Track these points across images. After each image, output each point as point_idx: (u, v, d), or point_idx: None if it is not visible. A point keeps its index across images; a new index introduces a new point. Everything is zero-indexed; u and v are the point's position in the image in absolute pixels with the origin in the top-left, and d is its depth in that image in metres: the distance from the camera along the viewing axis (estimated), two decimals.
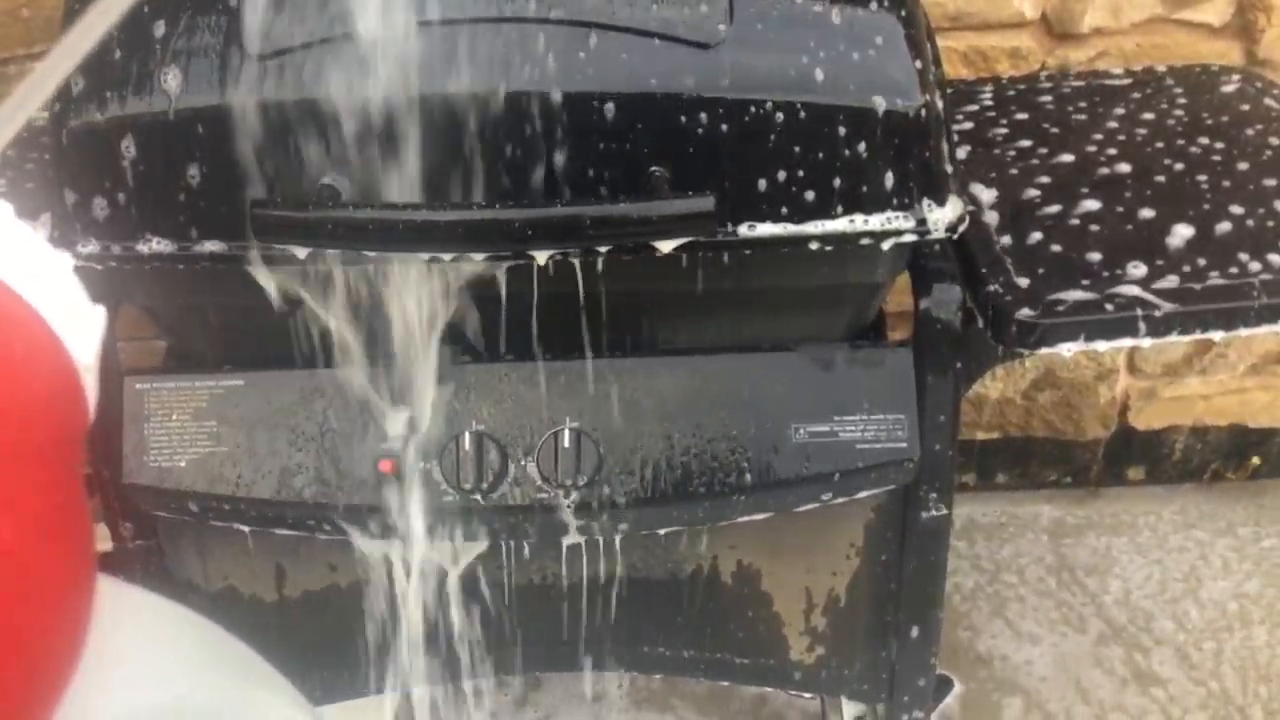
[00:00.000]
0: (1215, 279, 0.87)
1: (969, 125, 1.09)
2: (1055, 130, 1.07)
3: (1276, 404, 1.64)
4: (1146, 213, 0.93)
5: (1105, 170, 0.99)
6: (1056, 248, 0.90)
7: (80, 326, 0.53)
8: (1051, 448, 1.66)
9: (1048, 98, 1.14)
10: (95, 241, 0.81)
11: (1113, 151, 1.02)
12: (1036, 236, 0.91)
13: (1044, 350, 0.86)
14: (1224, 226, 0.91)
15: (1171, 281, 0.86)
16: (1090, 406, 1.61)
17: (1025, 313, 0.85)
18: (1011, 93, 1.16)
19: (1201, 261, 0.88)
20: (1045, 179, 0.99)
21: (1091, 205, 0.95)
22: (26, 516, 0.47)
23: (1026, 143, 1.05)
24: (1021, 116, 1.10)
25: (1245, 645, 1.44)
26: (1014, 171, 1.01)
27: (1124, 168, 1.00)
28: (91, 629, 0.53)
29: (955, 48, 1.36)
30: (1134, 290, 0.86)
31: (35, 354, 0.50)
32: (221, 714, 0.61)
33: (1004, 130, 1.08)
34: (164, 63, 0.78)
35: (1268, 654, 1.43)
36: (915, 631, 1.02)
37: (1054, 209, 0.95)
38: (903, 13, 0.80)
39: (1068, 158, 1.02)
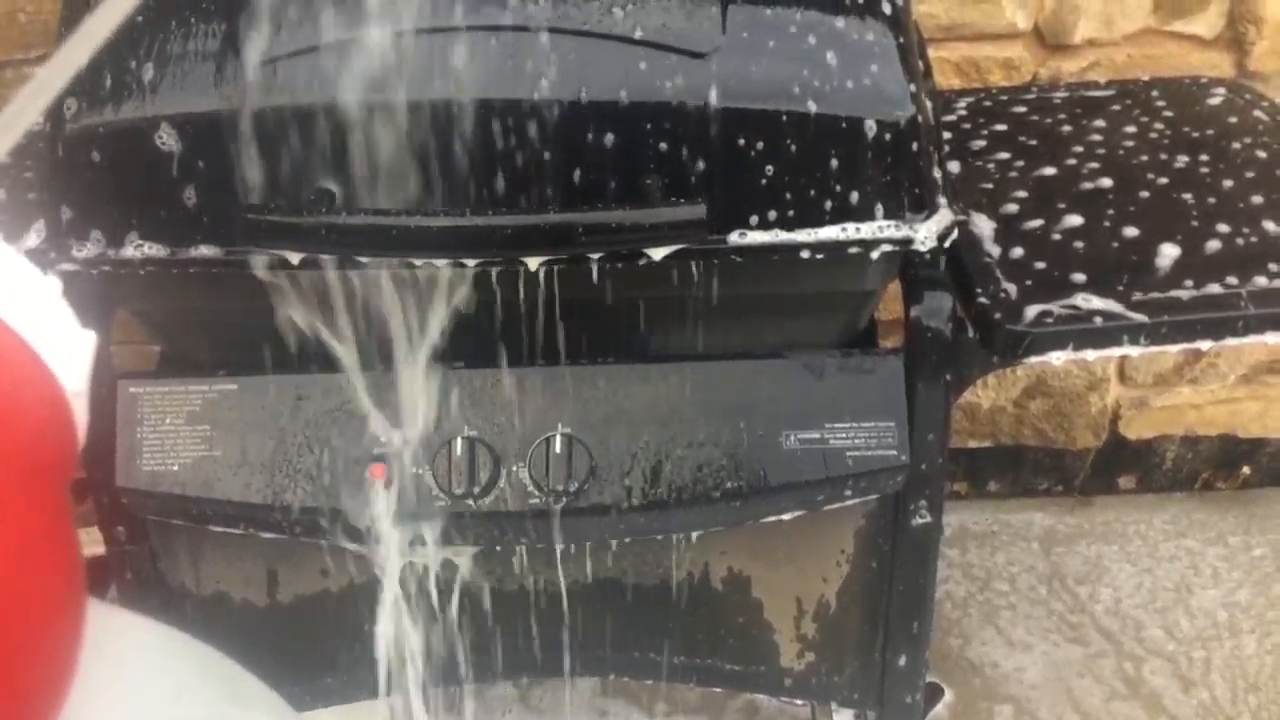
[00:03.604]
0: (1203, 291, 0.87)
1: (948, 134, 1.09)
2: (1037, 143, 1.07)
3: (1267, 414, 1.64)
4: (1130, 230, 0.93)
5: (1088, 185, 0.99)
6: (1040, 264, 0.90)
7: (69, 353, 0.53)
8: (1043, 456, 1.66)
9: (1032, 109, 1.14)
10: (89, 247, 0.82)
11: (1095, 165, 1.02)
12: (1018, 252, 0.92)
13: (1034, 359, 0.86)
14: (1212, 245, 0.91)
15: (1159, 294, 0.87)
16: (1081, 415, 1.62)
17: (1015, 321, 0.85)
18: (989, 104, 1.16)
19: (1189, 282, 0.88)
20: (1026, 193, 0.99)
21: (1074, 221, 0.94)
22: (12, 545, 0.47)
23: (1007, 155, 1.05)
24: (1002, 128, 1.10)
25: (1235, 654, 1.45)
26: (995, 185, 1.01)
27: (1106, 182, 0.99)
28: (81, 654, 0.53)
29: (948, 58, 1.36)
30: (1122, 301, 0.86)
31: (21, 383, 0.50)
32: None
33: (984, 142, 1.08)
34: (157, 69, 0.78)
35: (1257, 663, 1.44)
36: (905, 639, 1.02)
37: (1036, 224, 0.95)
38: (895, 23, 0.81)
39: (1049, 170, 1.02)
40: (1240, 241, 0.91)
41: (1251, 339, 0.87)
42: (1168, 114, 1.10)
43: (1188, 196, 0.97)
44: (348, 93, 0.75)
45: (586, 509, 0.89)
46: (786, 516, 0.93)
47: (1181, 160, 1.02)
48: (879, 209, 0.82)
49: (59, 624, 0.52)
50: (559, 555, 0.97)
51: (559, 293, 0.84)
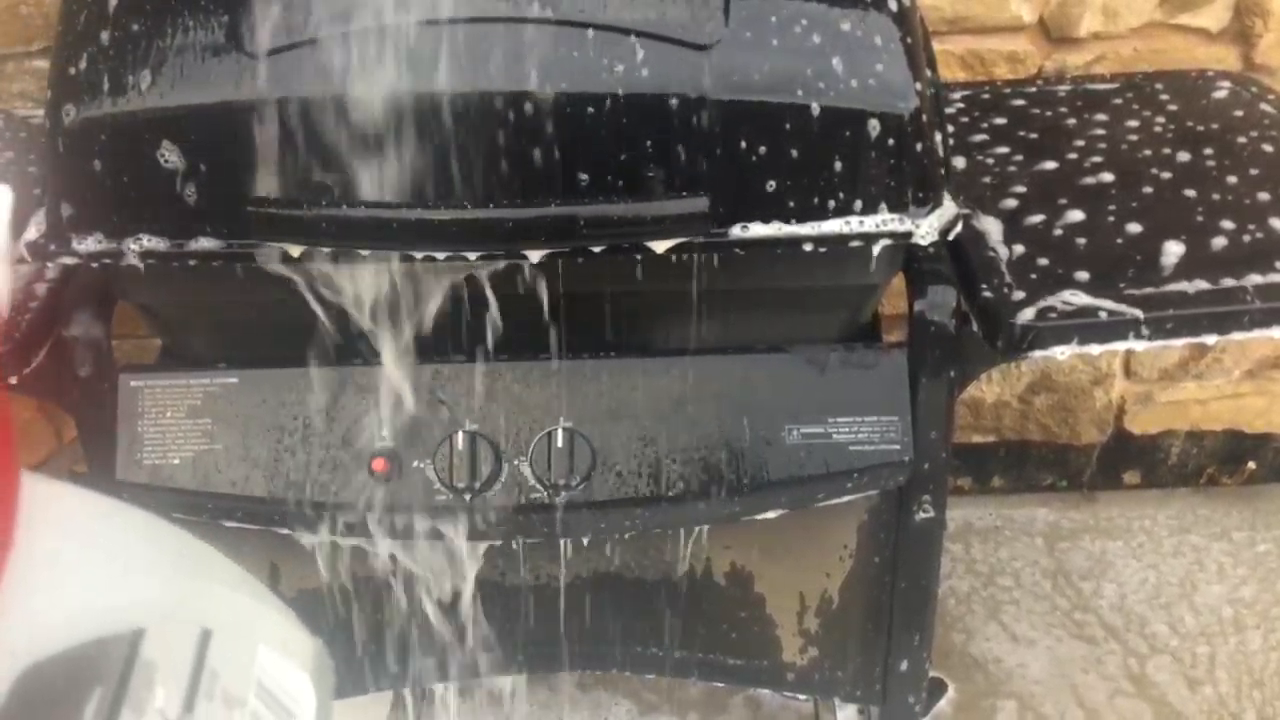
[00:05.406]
0: (1208, 285, 0.86)
1: (950, 128, 1.07)
2: (1039, 136, 1.06)
3: (1272, 409, 1.64)
4: (1134, 226, 0.92)
5: (1090, 179, 0.98)
6: (1044, 259, 0.90)
7: None
8: (1047, 451, 1.66)
9: (1034, 103, 1.13)
10: (89, 241, 0.81)
11: (1098, 159, 1.01)
12: (1021, 247, 0.91)
13: (1038, 353, 0.86)
14: (1217, 242, 0.90)
15: (1163, 288, 0.86)
16: (1086, 410, 1.61)
17: (1019, 315, 0.85)
18: (989, 96, 1.15)
19: (1193, 277, 0.87)
20: (1028, 187, 0.98)
21: (1077, 216, 0.94)
22: None
23: (1007, 149, 1.04)
24: (1003, 121, 1.09)
25: (1240, 650, 1.44)
26: (997, 179, 1.00)
27: (1108, 176, 0.98)
28: (21, 528, 0.50)
29: (953, 51, 1.36)
30: (1127, 295, 0.86)
31: None
32: (179, 613, 0.58)
33: (986, 136, 1.07)
34: (157, 64, 0.78)
35: (1262, 659, 1.43)
36: (908, 634, 1.02)
37: (1039, 218, 0.94)
38: (899, 16, 0.80)
39: (1051, 165, 1.01)
40: (1246, 238, 0.91)
41: (1257, 333, 0.86)
42: (1172, 108, 1.09)
43: (1191, 192, 0.96)
44: (349, 85, 0.75)
45: (588, 503, 0.88)
46: (787, 512, 0.92)
47: (1185, 155, 1.01)
48: (882, 202, 0.82)
49: None
50: (561, 549, 0.97)
51: (561, 286, 0.84)
